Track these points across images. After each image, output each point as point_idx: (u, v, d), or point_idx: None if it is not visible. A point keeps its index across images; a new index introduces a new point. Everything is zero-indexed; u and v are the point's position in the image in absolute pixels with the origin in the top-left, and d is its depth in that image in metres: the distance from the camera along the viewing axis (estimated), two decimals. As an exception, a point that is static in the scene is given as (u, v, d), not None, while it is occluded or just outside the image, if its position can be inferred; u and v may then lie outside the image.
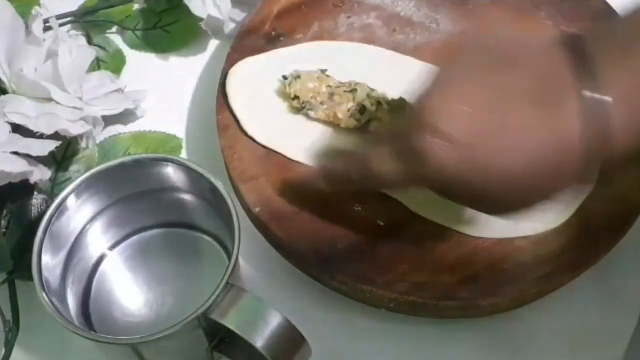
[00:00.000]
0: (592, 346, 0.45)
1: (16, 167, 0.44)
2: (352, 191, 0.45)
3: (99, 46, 0.56)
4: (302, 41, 0.53)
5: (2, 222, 0.45)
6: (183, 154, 0.53)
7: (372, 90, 0.49)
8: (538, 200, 0.37)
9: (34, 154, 0.45)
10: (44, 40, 0.48)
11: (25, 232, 0.45)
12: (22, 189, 0.46)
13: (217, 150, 0.49)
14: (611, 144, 0.35)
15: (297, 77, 0.49)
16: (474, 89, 0.36)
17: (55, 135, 0.46)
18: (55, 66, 0.47)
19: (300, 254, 0.45)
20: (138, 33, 0.58)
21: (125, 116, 0.53)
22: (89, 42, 0.56)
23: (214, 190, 0.41)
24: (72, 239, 0.43)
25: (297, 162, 0.48)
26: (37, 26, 0.48)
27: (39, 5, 0.55)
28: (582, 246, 0.44)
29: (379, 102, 0.48)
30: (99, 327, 0.43)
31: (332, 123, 0.49)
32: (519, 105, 0.35)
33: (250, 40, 0.53)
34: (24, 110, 0.46)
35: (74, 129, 0.46)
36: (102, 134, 0.52)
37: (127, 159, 0.43)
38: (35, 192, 0.47)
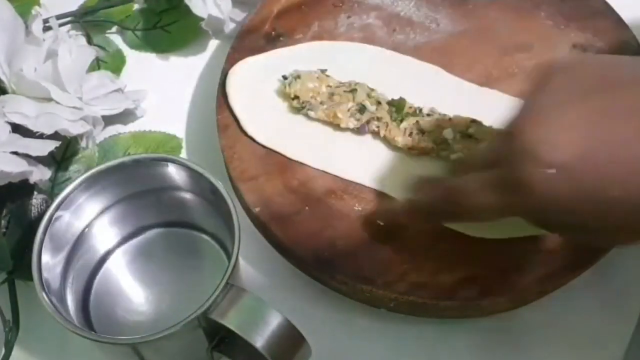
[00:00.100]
0: (592, 346, 0.45)
1: (16, 167, 0.44)
2: (435, 223, 0.44)
3: (99, 46, 0.56)
4: (302, 41, 0.53)
5: (2, 222, 0.45)
6: (183, 154, 0.53)
7: (372, 90, 0.49)
8: None
9: (33, 154, 0.45)
10: (44, 40, 0.48)
11: (25, 232, 0.45)
12: (22, 189, 0.46)
13: (217, 150, 0.49)
14: None
15: (297, 77, 0.49)
16: (577, 115, 0.35)
17: (55, 135, 0.46)
18: (55, 66, 0.47)
19: (300, 254, 0.45)
20: (138, 33, 0.58)
21: (125, 116, 0.53)
22: (89, 42, 0.56)
23: (214, 190, 0.41)
24: (72, 239, 0.43)
25: (297, 162, 0.48)
26: (37, 26, 0.48)
27: (38, 5, 0.55)
28: (582, 246, 0.44)
29: (379, 102, 0.48)
30: (99, 327, 0.43)
31: (332, 123, 0.49)
32: (627, 126, 0.34)
33: (250, 40, 0.53)
34: (23, 110, 0.46)
35: (74, 129, 0.46)
36: (102, 134, 0.52)
37: (127, 159, 0.43)
38: (35, 192, 0.47)
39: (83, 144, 0.49)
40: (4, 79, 0.47)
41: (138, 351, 0.39)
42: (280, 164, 0.48)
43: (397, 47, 0.53)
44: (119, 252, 0.46)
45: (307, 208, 0.46)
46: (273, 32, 0.53)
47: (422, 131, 0.47)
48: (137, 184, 0.44)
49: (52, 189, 0.48)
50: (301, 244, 0.45)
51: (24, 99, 0.47)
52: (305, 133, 0.49)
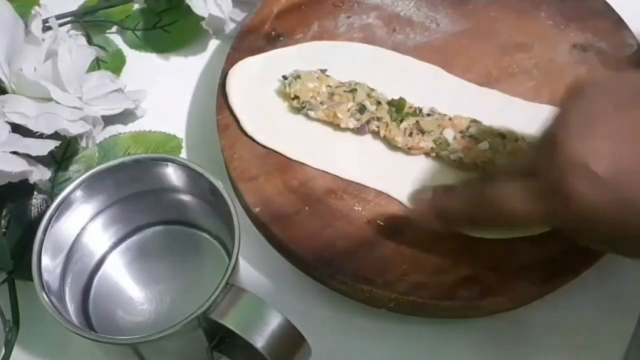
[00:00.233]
0: (592, 346, 0.45)
1: (16, 167, 0.44)
2: (462, 230, 0.44)
3: (99, 46, 0.56)
4: (302, 41, 0.53)
5: (2, 222, 0.45)
6: (183, 154, 0.53)
7: (372, 90, 0.49)
8: None
9: (33, 153, 0.45)
10: (44, 40, 0.48)
11: (25, 232, 0.45)
12: (22, 189, 0.46)
13: (217, 150, 0.49)
14: None
15: (297, 77, 0.49)
16: (619, 126, 0.35)
17: (55, 135, 0.46)
18: (55, 66, 0.47)
19: (300, 254, 0.45)
20: (138, 33, 0.58)
21: (125, 116, 0.53)
22: (89, 42, 0.56)
23: (214, 190, 0.41)
24: (72, 239, 0.43)
25: (297, 162, 0.48)
26: (36, 26, 0.48)
27: (38, 5, 0.55)
28: (582, 246, 0.44)
29: (379, 102, 0.48)
30: (99, 327, 0.43)
31: (332, 123, 0.49)
32: None
33: (250, 40, 0.53)
34: (23, 110, 0.46)
35: (74, 129, 0.46)
36: (102, 134, 0.52)
37: (127, 159, 0.43)
38: (35, 192, 0.47)
39: (83, 144, 0.49)
40: (4, 79, 0.47)
41: (138, 351, 0.39)
42: (280, 164, 0.48)
43: (397, 47, 0.53)
44: (118, 251, 0.46)
45: (307, 208, 0.46)
46: (273, 32, 0.53)
47: (422, 131, 0.47)
48: (137, 184, 0.44)
49: (52, 189, 0.48)
50: (301, 244, 0.45)
51: (24, 98, 0.47)
52: (305, 133, 0.49)
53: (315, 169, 0.48)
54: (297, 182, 0.47)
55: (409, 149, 0.48)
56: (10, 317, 0.44)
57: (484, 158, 0.46)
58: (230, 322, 0.37)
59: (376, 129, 0.48)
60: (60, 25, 0.53)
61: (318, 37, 0.53)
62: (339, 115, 0.48)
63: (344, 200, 0.47)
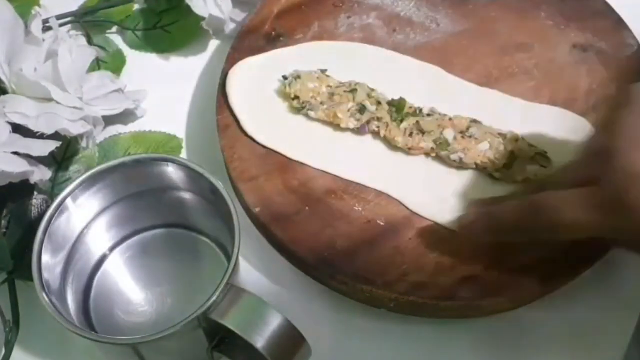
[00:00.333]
0: (592, 346, 0.45)
1: (16, 167, 0.44)
2: (511, 240, 0.44)
3: (99, 46, 0.56)
4: (302, 41, 0.53)
5: (2, 222, 0.45)
6: (183, 154, 0.53)
7: (372, 90, 0.49)
8: None
9: (34, 154, 0.45)
10: (44, 40, 0.48)
11: (25, 232, 0.45)
12: (22, 189, 0.46)
13: (217, 150, 0.49)
14: None
15: (297, 77, 0.49)
16: None
17: (55, 135, 0.46)
18: (55, 66, 0.47)
19: (300, 254, 0.45)
20: (138, 33, 0.58)
21: (125, 116, 0.53)
22: (89, 42, 0.56)
23: (214, 190, 0.41)
24: (72, 239, 0.43)
25: (297, 162, 0.48)
26: (36, 26, 0.48)
27: (38, 5, 0.55)
28: (582, 246, 0.44)
29: (379, 102, 0.48)
30: (99, 327, 0.43)
31: (332, 123, 0.49)
32: None
33: (250, 40, 0.53)
34: (24, 110, 0.46)
35: (74, 129, 0.46)
36: (102, 134, 0.52)
37: (127, 159, 0.43)
38: (35, 192, 0.47)
39: (83, 144, 0.49)
40: (4, 79, 0.47)
41: (138, 351, 0.39)
42: (280, 163, 0.48)
43: (397, 47, 0.53)
44: (119, 251, 0.46)
45: (307, 208, 0.46)
46: (273, 32, 0.53)
47: (422, 131, 0.47)
48: (137, 184, 0.44)
49: (52, 189, 0.48)
50: (301, 244, 0.45)
51: (24, 98, 0.47)
52: (305, 133, 0.49)
53: (315, 169, 0.48)
54: (297, 182, 0.47)
55: (409, 149, 0.48)
56: (10, 317, 0.44)
57: (484, 158, 0.46)
58: (230, 322, 0.37)
59: (376, 129, 0.48)
60: (60, 25, 0.53)
61: (318, 37, 0.53)
62: (339, 115, 0.48)
63: (344, 200, 0.47)
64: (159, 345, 0.38)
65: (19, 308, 0.45)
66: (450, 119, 0.48)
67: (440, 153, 0.47)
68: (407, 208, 0.46)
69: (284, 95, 0.50)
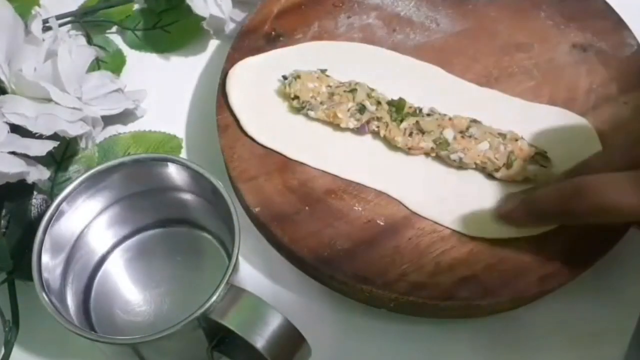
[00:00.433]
0: (592, 346, 0.45)
1: (13, 167, 0.44)
2: (551, 224, 0.43)
3: (99, 46, 0.56)
4: (302, 41, 0.53)
5: (2, 222, 0.45)
6: (183, 154, 0.53)
7: (372, 90, 0.49)
8: None
9: (32, 154, 0.45)
10: (44, 40, 0.48)
11: (25, 232, 0.45)
12: (22, 189, 0.46)
13: (217, 150, 0.49)
14: None
15: (297, 77, 0.49)
16: None
17: (54, 136, 0.46)
18: (55, 66, 0.47)
19: (300, 254, 0.45)
20: (138, 33, 0.58)
21: (125, 116, 0.53)
22: (89, 42, 0.56)
23: (214, 190, 0.41)
24: (72, 239, 0.43)
25: (297, 162, 0.48)
26: (36, 26, 0.47)
27: (38, 5, 0.55)
28: (582, 246, 0.44)
29: (379, 102, 0.48)
30: (99, 327, 0.43)
31: (332, 123, 0.49)
32: None
33: (250, 40, 0.53)
34: (22, 111, 0.46)
35: (73, 130, 0.46)
36: (102, 134, 0.52)
37: (127, 159, 0.43)
38: (35, 192, 0.47)
39: (83, 144, 0.49)
40: (3, 79, 0.47)
41: (138, 351, 0.39)
42: (280, 164, 0.48)
43: (397, 47, 0.53)
44: (119, 251, 0.46)
45: (307, 208, 0.46)
46: (273, 32, 0.53)
47: (422, 131, 0.47)
48: (137, 184, 0.44)
49: (52, 189, 0.48)
50: (301, 244, 0.45)
51: (23, 99, 0.47)
52: (305, 133, 0.49)
53: (315, 169, 0.48)
54: (297, 182, 0.47)
55: (409, 149, 0.48)
56: (10, 317, 0.44)
57: (484, 158, 0.46)
58: (230, 322, 0.37)
59: (376, 129, 0.48)
60: (60, 25, 0.53)
61: (318, 37, 0.53)
62: (339, 115, 0.48)
63: (344, 200, 0.47)
64: (159, 345, 0.38)
65: (18, 308, 0.45)
66: (450, 119, 0.48)
67: (440, 153, 0.47)
68: (407, 208, 0.46)
69: (284, 95, 0.50)
